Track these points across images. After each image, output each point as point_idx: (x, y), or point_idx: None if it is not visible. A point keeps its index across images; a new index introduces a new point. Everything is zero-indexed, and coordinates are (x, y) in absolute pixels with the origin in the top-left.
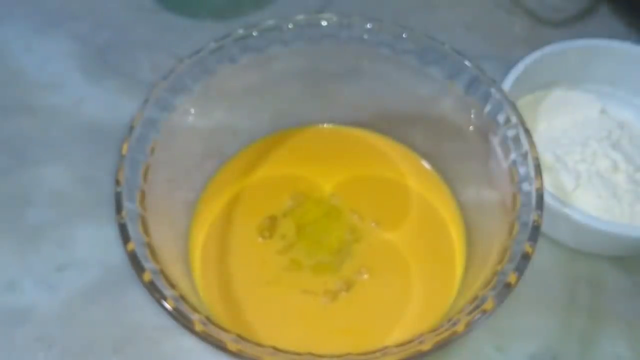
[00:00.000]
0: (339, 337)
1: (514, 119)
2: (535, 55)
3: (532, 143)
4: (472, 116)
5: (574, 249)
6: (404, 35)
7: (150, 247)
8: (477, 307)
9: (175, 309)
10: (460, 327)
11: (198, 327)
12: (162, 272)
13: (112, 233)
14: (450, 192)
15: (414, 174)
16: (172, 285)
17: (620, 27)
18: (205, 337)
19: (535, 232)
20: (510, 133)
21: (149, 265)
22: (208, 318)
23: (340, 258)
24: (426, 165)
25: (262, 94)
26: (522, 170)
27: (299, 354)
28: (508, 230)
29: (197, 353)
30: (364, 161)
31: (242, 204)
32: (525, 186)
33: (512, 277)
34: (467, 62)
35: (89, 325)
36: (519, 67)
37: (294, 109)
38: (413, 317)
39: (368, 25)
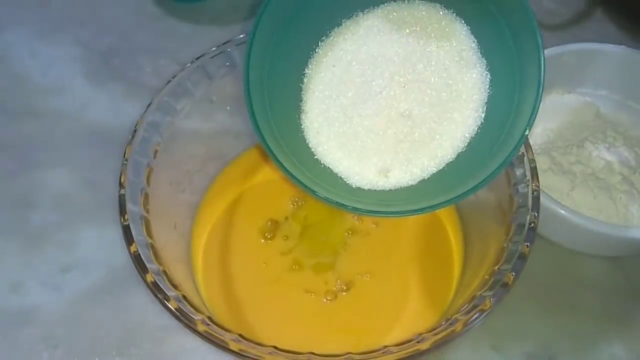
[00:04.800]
0: (339, 336)
1: None
2: None
3: (528, 145)
4: None
5: (570, 249)
6: None
7: (153, 248)
8: (474, 306)
9: (178, 309)
10: (458, 327)
11: (200, 327)
12: (165, 273)
13: (116, 235)
14: None
15: None
16: (175, 286)
17: (615, 31)
18: (207, 337)
19: (531, 233)
20: None
21: (152, 266)
22: (210, 318)
23: (340, 258)
24: None
25: None
26: (518, 172)
27: (300, 353)
28: (505, 231)
29: (199, 352)
30: None
31: (244, 205)
32: (522, 188)
33: (509, 278)
34: None
35: (93, 326)
36: None
37: None
38: (412, 316)
39: None
